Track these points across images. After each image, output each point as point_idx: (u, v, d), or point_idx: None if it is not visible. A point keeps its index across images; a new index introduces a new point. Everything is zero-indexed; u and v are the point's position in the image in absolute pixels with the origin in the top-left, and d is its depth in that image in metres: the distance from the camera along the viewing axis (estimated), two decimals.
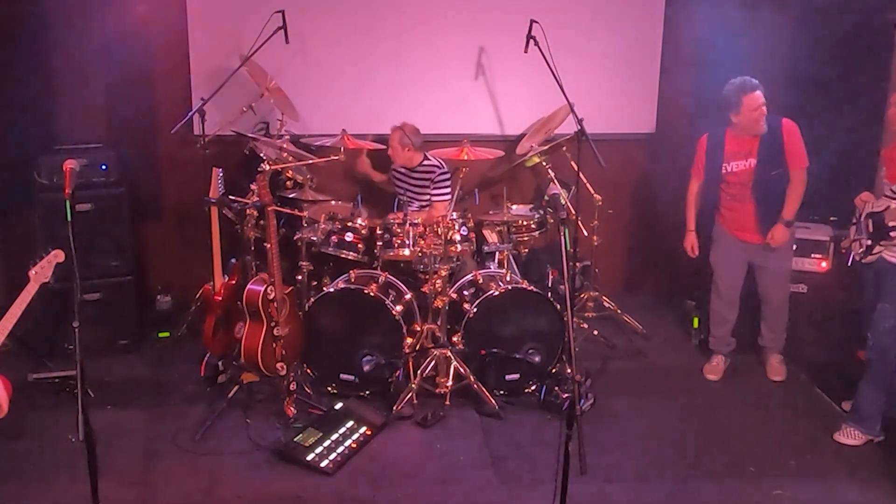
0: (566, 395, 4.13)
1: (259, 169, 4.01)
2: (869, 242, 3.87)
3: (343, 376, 4.33)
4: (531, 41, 4.70)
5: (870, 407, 3.92)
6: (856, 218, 3.98)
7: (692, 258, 4.70)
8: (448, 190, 4.84)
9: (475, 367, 4.30)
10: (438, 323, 4.37)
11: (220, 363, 4.34)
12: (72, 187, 2.92)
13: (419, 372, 4.26)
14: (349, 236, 4.54)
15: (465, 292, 4.52)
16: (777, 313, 4.63)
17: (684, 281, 5.49)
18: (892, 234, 3.78)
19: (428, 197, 4.92)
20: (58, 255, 3.40)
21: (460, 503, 3.54)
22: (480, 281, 4.53)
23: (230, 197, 4.38)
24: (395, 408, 4.14)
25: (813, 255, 4.82)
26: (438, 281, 4.32)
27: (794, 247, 4.61)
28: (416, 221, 4.42)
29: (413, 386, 4.21)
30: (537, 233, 4.99)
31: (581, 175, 4.94)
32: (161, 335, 5.02)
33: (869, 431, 3.95)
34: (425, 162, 4.91)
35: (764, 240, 4.41)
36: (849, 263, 4.04)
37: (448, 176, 4.88)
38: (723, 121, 4.43)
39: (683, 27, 5.51)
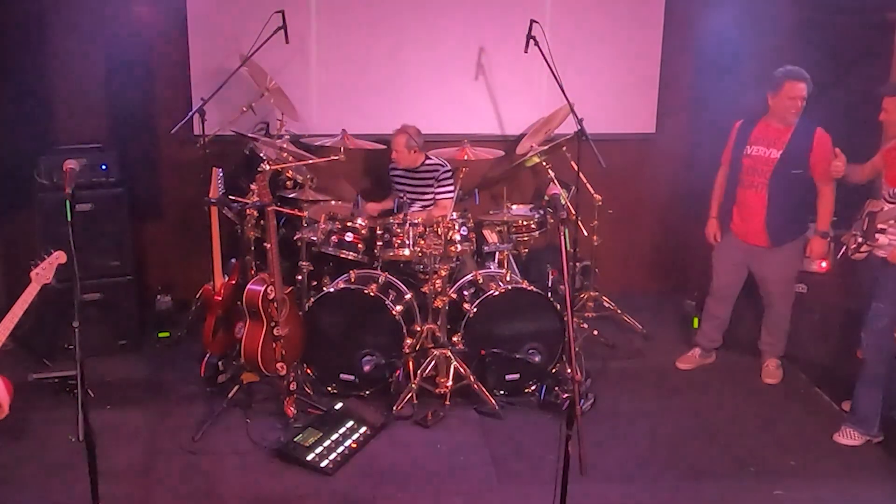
0: (566, 395, 4.13)
1: (259, 169, 4.02)
2: (860, 239, 3.89)
3: (343, 376, 4.34)
4: (531, 41, 4.70)
5: (868, 407, 3.92)
6: (860, 214, 3.99)
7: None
8: (452, 187, 4.84)
9: (475, 367, 4.30)
10: (438, 323, 4.37)
11: (220, 363, 4.34)
12: (72, 187, 2.92)
13: (419, 372, 4.26)
14: (349, 236, 4.54)
15: (465, 292, 4.52)
16: (777, 319, 4.63)
17: (684, 281, 5.50)
18: (877, 235, 3.79)
19: (431, 196, 4.92)
20: (60, 257, 3.40)
21: (460, 503, 3.54)
22: (480, 281, 4.53)
23: (230, 197, 4.37)
24: (395, 408, 4.14)
25: None
26: (438, 281, 4.32)
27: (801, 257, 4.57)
28: (416, 221, 4.43)
29: (413, 386, 4.21)
30: (537, 233, 4.98)
31: (581, 175, 4.94)
32: (161, 335, 5.02)
33: (868, 432, 3.95)
34: (427, 161, 4.91)
35: (769, 243, 4.41)
36: (838, 256, 4.05)
37: (451, 174, 4.88)
38: (740, 114, 4.48)
39: (684, 27, 5.51)
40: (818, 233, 4.33)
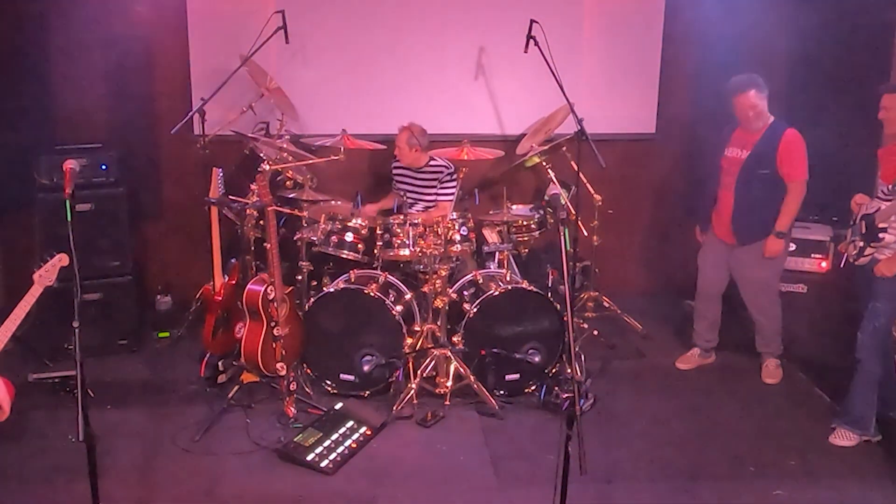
0: (566, 395, 4.13)
1: (259, 169, 4.02)
2: (861, 244, 3.87)
3: (343, 376, 4.34)
4: (531, 41, 4.70)
5: (861, 407, 3.91)
6: (853, 220, 3.99)
7: (695, 257, 4.73)
8: (454, 190, 4.84)
9: (475, 367, 4.30)
10: (438, 323, 4.37)
11: (220, 363, 4.35)
12: (72, 187, 2.92)
13: (419, 372, 4.26)
14: (349, 236, 4.55)
15: (465, 292, 4.52)
16: (760, 320, 4.64)
17: (684, 281, 5.49)
18: (881, 235, 3.78)
19: (433, 197, 4.93)
20: (62, 259, 3.38)
21: (460, 503, 3.54)
22: (480, 281, 4.53)
23: (230, 197, 4.38)
24: (395, 408, 4.14)
25: (813, 255, 4.82)
26: (438, 281, 4.32)
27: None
28: (416, 221, 4.43)
29: (413, 386, 4.21)
30: (537, 233, 4.99)
31: (581, 175, 4.94)
32: (161, 335, 5.02)
33: (864, 432, 3.93)
34: (432, 162, 4.92)
35: (735, 241, 4.46)
36: (841, 265, 4.05)
37: (454, 176, 4.89)
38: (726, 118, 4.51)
39: (684, 27, 5.51)
40: (775, 232, 4.34)
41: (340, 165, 4.47)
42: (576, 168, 4.92)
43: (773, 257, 4.39)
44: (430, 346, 4.38)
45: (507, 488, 3.62)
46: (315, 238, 4.55)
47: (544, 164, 4.97)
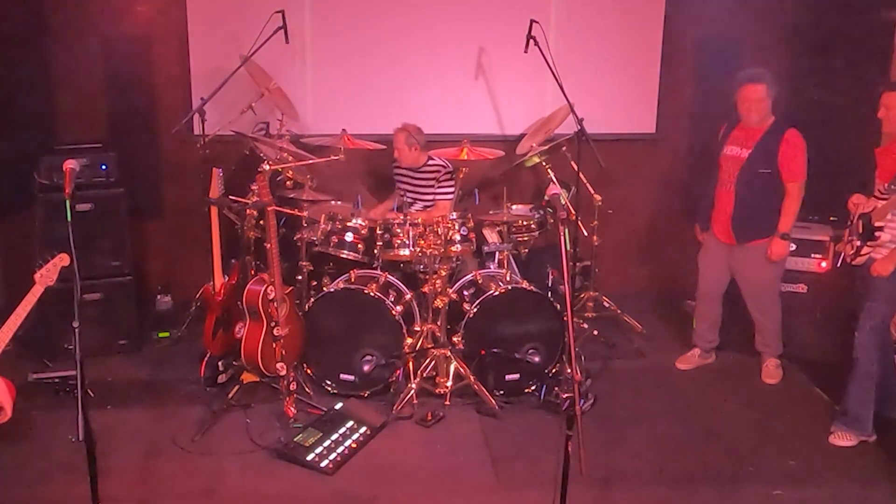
0: (566, 395, 4.13)
1: (259, 169, 4.02)
2: (858, 244, 3.87)
3: (343, 376, 4.34)
4: (531, 41, 4.70)
5: (859, 407, 3.91)
6: (850, 220, 3.99)
7: (695, 257, 4.73)
8: (452, 189, 4.85)
9: (475, 367, 4.30)
10: (438, 323, 4.37)
11: (220, 363, 4.35)
12: (72, 187, 2.92)
13: (419, 372, 4.26)
14: (349, 236, 4.55)
15: (465, 292, 4.53)
16: (761, 320, 4.64)
17: (684, 281, 5.50)
18: (877, 234, 3.77)
19: (431, 196, 4.93)
20: (63, 259, 3.39)
21: (460, 503, 3.54)
22: (480, 281, 4.53)
23: (230, 197, 4.38)
24: (395, 408, 4.14)
25: (813, 255, 4.81)
26: (438, 281, 4.32)
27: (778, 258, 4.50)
28: (416, 221, 4.43)
29: (413, 386, 4.21)
30: (537, 233, 4.99)
31: (581, 175, 4.95)
32: (161, 335, 5.02)
33: (862, 432, 3.93)
34: (430, 162, 4.92)
35: (734, 240, 4.46)
36: (838, 264, 4.04)
37: (452, 176, 4.89)
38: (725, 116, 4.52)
39: (683, 27, 5.51)
40: (778, 234, 4.34)
41: (340, 165, 4.47)
42: (576, 168, 4.92)
43: (778, 259, 4.39)
44: (430, 346, 4.38)
45: (507, 488, 3.62)
46: (315, 238, 4.55)
47: (544, 164, 4.97)
